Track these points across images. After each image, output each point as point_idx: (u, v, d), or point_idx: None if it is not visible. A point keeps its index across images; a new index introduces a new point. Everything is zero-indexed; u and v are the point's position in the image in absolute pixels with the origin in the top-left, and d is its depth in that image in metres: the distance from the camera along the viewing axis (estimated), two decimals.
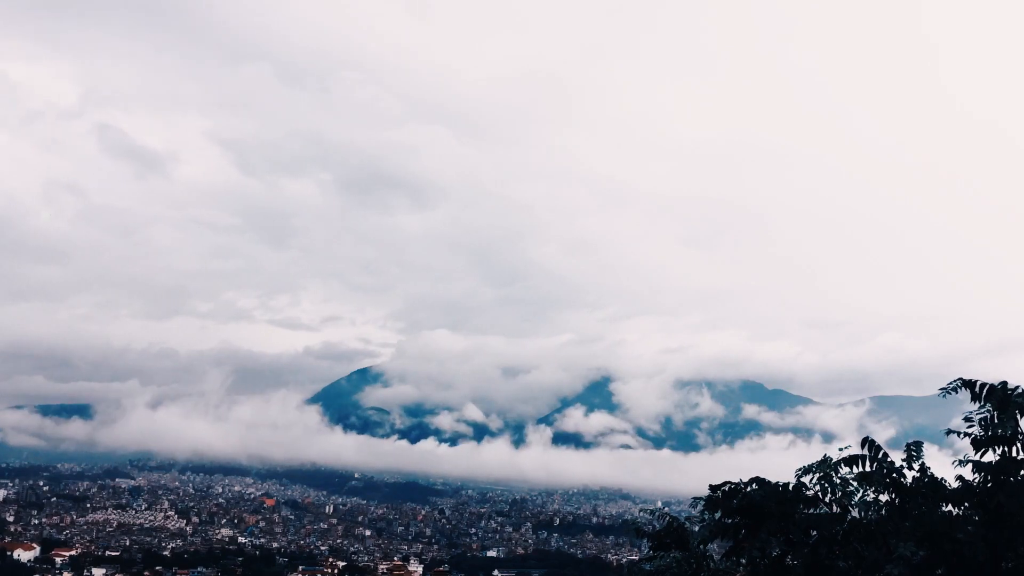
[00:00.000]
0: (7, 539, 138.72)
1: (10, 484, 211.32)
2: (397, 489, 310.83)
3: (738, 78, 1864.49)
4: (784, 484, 11.77)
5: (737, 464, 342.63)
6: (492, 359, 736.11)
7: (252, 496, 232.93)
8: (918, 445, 11.96)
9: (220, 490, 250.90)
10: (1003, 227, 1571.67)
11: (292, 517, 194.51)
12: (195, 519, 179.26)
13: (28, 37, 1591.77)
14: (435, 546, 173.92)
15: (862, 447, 11.87)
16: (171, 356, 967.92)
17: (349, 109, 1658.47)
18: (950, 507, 11.69)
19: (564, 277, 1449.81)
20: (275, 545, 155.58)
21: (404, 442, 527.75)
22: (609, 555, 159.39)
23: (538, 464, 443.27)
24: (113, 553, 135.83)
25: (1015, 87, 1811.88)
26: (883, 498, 11.81)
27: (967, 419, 11.41)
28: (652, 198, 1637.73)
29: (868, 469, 11.70)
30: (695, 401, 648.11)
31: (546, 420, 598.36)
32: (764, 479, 11.87)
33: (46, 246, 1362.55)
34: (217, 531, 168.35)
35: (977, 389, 11.22)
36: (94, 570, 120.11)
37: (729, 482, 12.08)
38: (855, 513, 11.67)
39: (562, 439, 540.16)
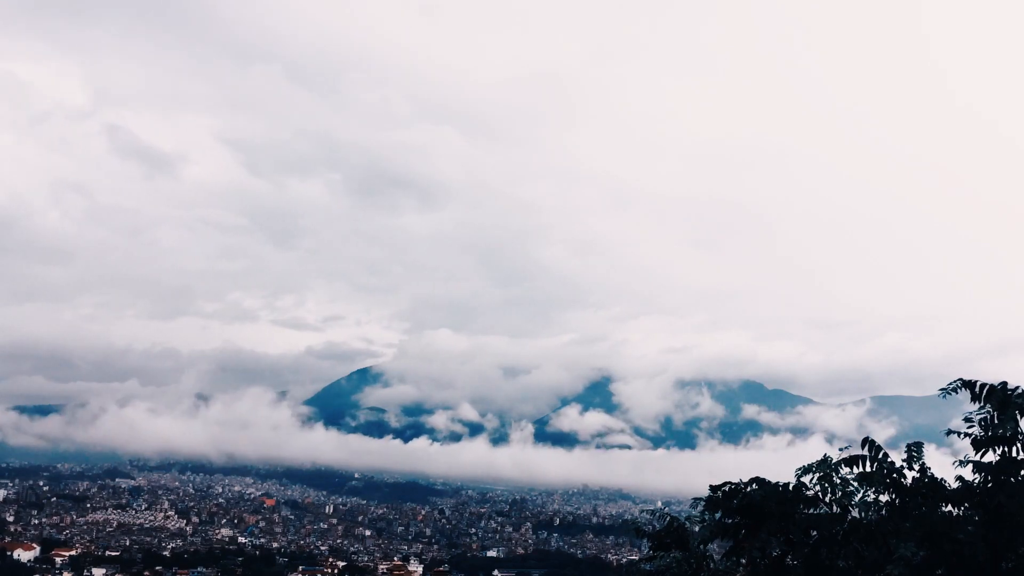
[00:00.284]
0: (7, 539, 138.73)
1: (10, 484, 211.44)
2: (397, 489, 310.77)
3: (744, 79, 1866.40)
4: (784, 484, 11.77)
5: (737, 464, 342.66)
6: (493, 359, 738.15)
7: (252, 496, 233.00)
8: (918, 445, 11.96)
9: (220, 490, 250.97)
10: (1006, 227, 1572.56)
11: (292, 517, 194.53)
12: (195, 519, 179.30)
13: (37, 37, 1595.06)
14: (435, 546, 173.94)
15: (862, 447, 11.88)
16: (173, 356, 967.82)
17: (357, 109, 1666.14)
18: (950, 507, 11.69)
19: (570, 277, 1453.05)
20: (275, 545, 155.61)
21: (398, 441, 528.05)
22: (609, 555, 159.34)
23: (535, 464, 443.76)
24: (113, 553, 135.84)
25: (1018, 87, 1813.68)
26: (883, 498, 11.81)
27: (967, 419, 11.41)
28: (658, 198, 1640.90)
29: (868, 469, 11.70)
30: (695, 401, 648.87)
31: (544, 420, 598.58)
32: (764, 479, 11.87)
33: (53, 246, 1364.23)
34: (217, 531, 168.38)
35: (977, 389, 11.22)
36: (94, 570, 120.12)
37: (729, 482, 12.08)
38: (855, 513, 11.66)
39: (559, 439, 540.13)
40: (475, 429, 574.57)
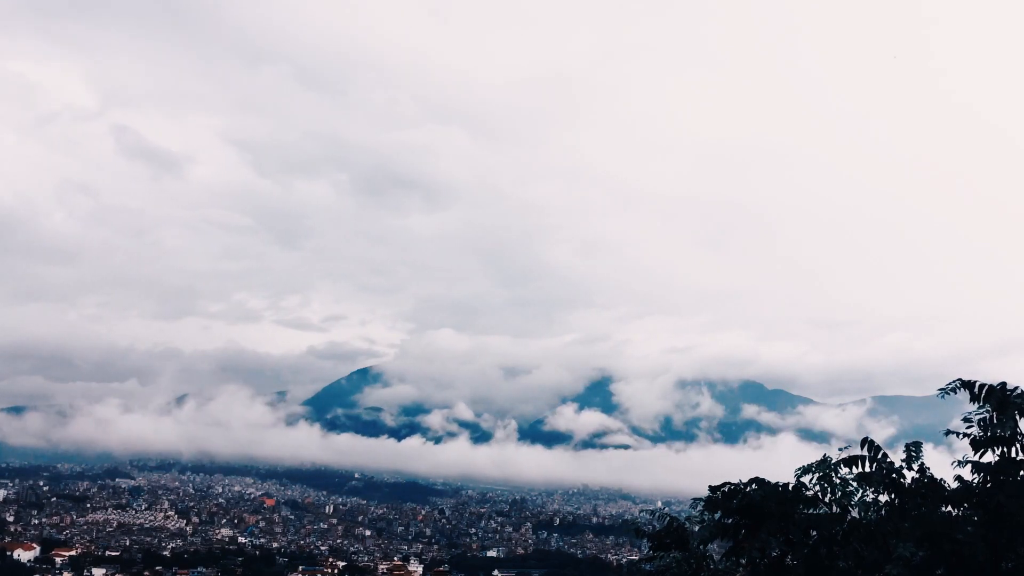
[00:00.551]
0: (7, 539, 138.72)
1: (10, 484, 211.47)
2: (397, 489, 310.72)
3: (748, 80, 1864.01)
4: (784, 484, 11.77)
5: (737, 464, 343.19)
6: (494, 359, 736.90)
7: (252, 496, 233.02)
8: (917, 445, 11.99)
9: (220, 490, 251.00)
10: (1007, 228, 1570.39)
11: (292, 517, 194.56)
12: (195, 519, 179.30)
13: (44, 38, 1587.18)
14: (435, 546, 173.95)
15: (862, 447, 11.90)
16: (174, 357, 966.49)
17: (365, 110, 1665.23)
18: (950, 507, 11.72)
19: (574, 277, 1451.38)
20: (275, 545, 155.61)
21: (392, 441, 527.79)
22: (609, 555, 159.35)
23: (529, 463, 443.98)
24: (113, 553, 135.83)
25: (1018, 87, 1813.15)
26: (883, 498, 11.83)
27: (966, 420, 11.44)
28: (662, 199, 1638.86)
29: (868, 469, 11.72)
30: (695, 401, 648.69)
31: (542, 420, 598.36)
32: (764, 479, 11.87)
33: (58, 247, 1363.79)
34: (217, 531, 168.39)
35: (976, 390, 11.25)
36: (94, 570, 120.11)
37: (729, 482, 12.08)
38: (855, 513, 11.68)
39: (555, 438, 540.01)
40: (470, 429, 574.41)
